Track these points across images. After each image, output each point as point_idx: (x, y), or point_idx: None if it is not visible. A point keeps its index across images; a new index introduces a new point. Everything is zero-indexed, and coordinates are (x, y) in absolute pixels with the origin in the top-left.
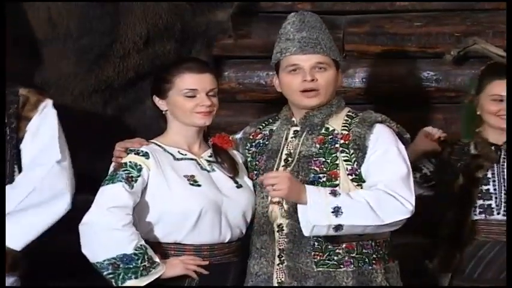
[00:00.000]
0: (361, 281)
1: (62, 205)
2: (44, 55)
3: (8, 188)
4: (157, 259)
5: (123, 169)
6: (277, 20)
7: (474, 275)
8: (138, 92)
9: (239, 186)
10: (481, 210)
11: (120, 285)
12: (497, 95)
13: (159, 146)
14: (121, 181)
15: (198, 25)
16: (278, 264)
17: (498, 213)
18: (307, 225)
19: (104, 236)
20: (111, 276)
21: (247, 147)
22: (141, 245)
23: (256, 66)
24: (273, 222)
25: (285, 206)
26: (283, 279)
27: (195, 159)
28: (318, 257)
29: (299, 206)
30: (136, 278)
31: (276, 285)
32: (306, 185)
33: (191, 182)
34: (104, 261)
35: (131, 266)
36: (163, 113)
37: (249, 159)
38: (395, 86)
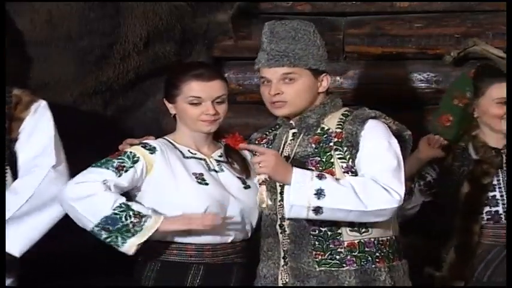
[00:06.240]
0: (364, 280)
1: (58, 209)
2: (44, 56)
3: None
4: (148, 212)
5: (118, 158)
6: None
7: (484, 278)
8: (138, 93)
9: (247, 186)
10: (489, 216)
11: (122, 246)
12: (502, 97)
13: (170, 142)
14: (109, 169)
15: (198, 26)
16: (283, 266)
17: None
18: (287, 206)
19: (80, 206)
20: (109, 240)
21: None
22: (120, 204)
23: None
24: (261, 205)
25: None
26: (287, 280)
27: (204, 159)
28: (320, 257)
29: (285, 187)
30: (133, 235)
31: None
32: (294, 167)
33: (199, 180)
34: (94, 228)
35: (119, 226)
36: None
37: None
38: (396, 88)
